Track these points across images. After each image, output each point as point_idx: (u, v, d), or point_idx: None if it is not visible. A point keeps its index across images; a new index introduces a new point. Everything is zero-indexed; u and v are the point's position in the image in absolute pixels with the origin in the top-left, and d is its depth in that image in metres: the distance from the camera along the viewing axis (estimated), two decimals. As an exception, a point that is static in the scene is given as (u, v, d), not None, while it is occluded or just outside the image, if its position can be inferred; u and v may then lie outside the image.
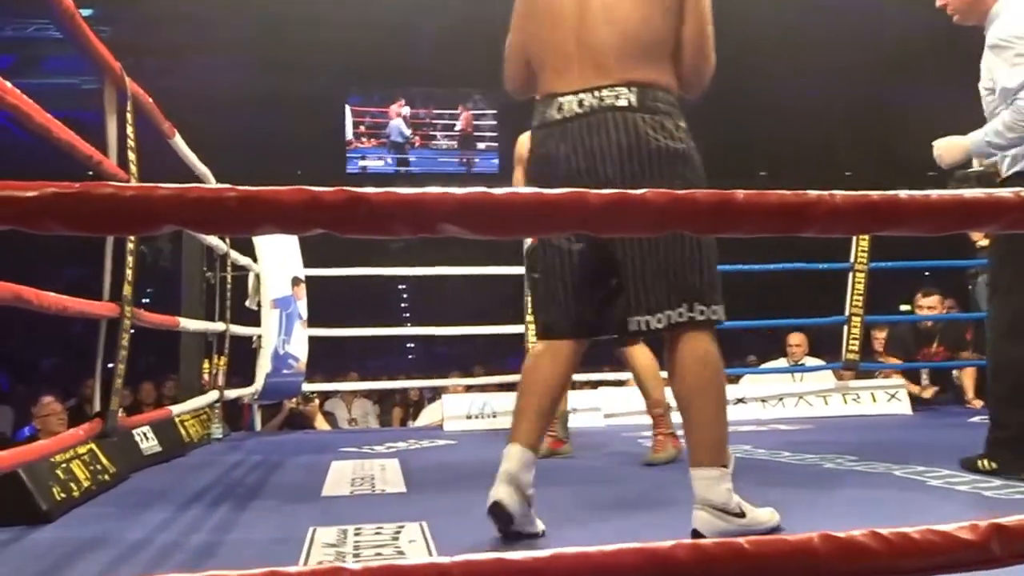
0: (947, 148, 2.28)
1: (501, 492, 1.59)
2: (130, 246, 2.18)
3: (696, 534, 1.54)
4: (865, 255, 4.28)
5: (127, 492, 2.27)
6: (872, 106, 9.53)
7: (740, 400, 4.15)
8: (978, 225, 0.92)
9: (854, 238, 4.33)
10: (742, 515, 1.58)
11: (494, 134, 10.88)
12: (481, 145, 10.92)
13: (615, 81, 1.60)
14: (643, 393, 2.84)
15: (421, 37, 9.28)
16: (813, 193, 0.86)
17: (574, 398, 4.19)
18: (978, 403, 4.46)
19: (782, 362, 4.91)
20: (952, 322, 4.57)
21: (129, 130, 2.21)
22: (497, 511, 1.58)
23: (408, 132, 10.73)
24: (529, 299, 2.98)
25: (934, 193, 0.88)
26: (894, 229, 0.89)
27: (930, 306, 4.51)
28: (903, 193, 0.88)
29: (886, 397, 4.31)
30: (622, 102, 1.60)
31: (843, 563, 0.80)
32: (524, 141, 3.03)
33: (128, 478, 2.41)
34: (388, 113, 10.73)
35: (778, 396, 4.30)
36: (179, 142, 2.93)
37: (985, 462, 2.23)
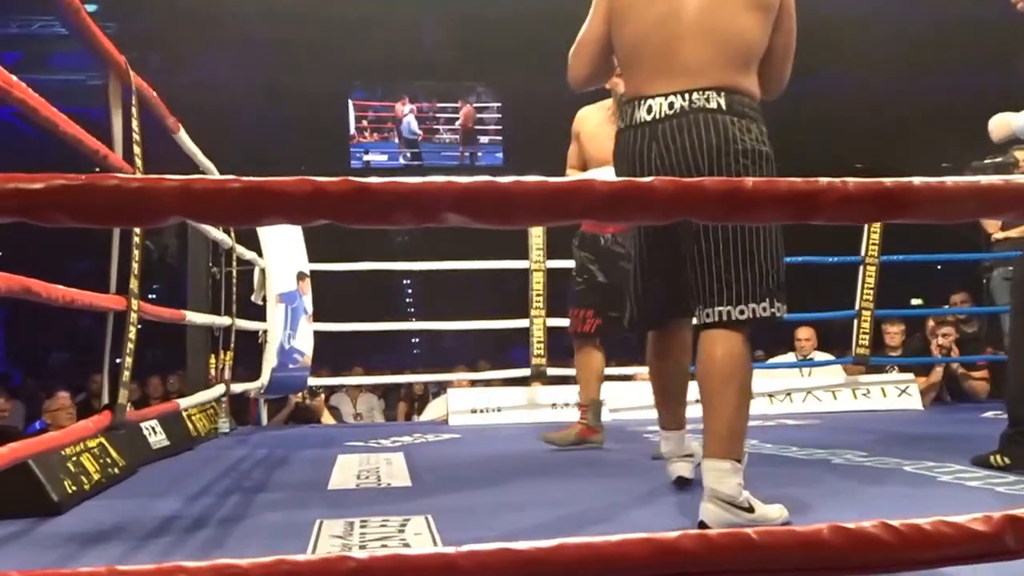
0: (998, 124, 2.33)
1: (681, 468, 2.00)
2: (136, 240, 2.19)
3: (703, 526, 1.54)
4: (876, 248, 4.24)
5: (136, 485, 2.29)
6: (889, 96, 9.45)
7: (746, 395, 4.10)
8: (994, 213, 0.90)
9: (865, 230, 4.28)
10: (751, 510, 1.58)
11: (498, 127, 10.84)
12: (484, 139, 10.88)
13: (705, 85, 1.66)
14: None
15: (424, 31, 9.26)
16: (824, 180, 0.85)
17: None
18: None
19: (790, 356, 4.87)
20: (967, 342, 4.53)
21: (134, 124, 2.22)
22: (682, 483, 1.99)
23: (417, 130, 10.72)
24: (576, 288, 3.01)
25: (949, 180, 0.87)
26: (907, 216, 0.87)
27: (944, 334, 4.46)
28: (917, 180, 0.86)
29: (896, 392, 4.26)
30: (712, 104, 1.66)
31: (853, 555, 0.79)
32: (582, 117, 2.98)
33: (137, 471, 2.42)
34: (395, 110, 10.70)
35: (786, 391, 4.27)
36: (183, 137, 2.93)
37: (998, 457, 2.21)
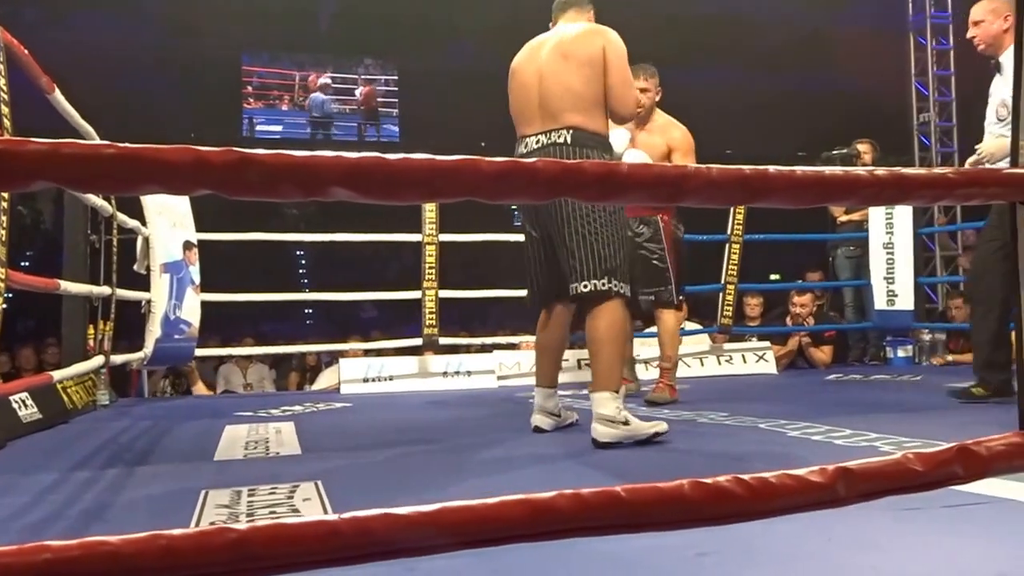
0: (998, 147, 2.75)
1: (538, 420, 2.47)
2: (3, 205, 2.06)
3: (595, 441, 2.09)
4: (740, 228, 4.60)
5: (4, 460, 2.17)
6: (749, 90, 9.95)
7: (626, 362, 4.32)
8: (835, 200, 1.00)
9: (731, 212, 4.60)
10: (627, 423, 2.13)
11: (392, 100, 10.60)
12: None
13: (559, 126, 2.30)
14: (661, 347, 3.39)
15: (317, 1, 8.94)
16: (691, 166, 0.91)
17: (471, 361, 4.28)
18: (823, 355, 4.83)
19: (664, 327, 5.18)
20: (819, 320, 5.02)
21: (1, 83, 2.07)
22: (538, 431, 2.44)
23: (332, 108, 10.33)
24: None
25: (799, 169, 0.95)
26: (763, 201, 0.95)
27: (803, 303, 4.90)
28: (772, 168, 0.94)
29: (755, 358, 4.67)
30: (561, 140, 2.28)
31: (710, 507, 0.86)
32: None
33: (5, 446, 2.30)
34: (308, 84, 10.28)
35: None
36: (59, 98, 2.75)
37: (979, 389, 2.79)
